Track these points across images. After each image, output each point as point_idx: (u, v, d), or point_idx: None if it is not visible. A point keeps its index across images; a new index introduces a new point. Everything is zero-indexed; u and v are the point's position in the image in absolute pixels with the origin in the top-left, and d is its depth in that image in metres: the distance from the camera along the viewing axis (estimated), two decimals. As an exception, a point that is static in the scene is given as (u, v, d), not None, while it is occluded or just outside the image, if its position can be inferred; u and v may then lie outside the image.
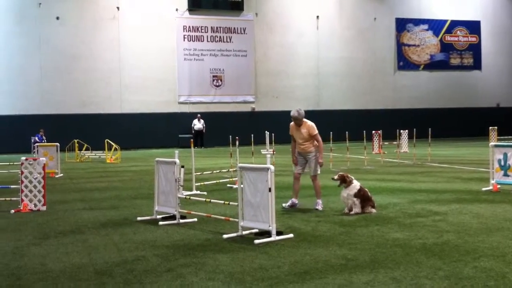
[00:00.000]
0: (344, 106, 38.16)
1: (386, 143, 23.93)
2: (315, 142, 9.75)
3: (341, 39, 38.73)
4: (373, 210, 9.07)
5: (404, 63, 40.72)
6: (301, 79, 37.58)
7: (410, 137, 25.28)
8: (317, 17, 38.11)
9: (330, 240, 7.04)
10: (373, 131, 24.33)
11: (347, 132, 19.06)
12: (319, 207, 9.54)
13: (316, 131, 9.74)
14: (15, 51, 31.59)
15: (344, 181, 9.17)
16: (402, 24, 40.61)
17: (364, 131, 19.97)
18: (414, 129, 20.46)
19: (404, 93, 40.02)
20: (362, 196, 9.02)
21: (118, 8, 33.65)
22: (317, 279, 5.37)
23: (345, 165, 17.70)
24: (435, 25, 41.52)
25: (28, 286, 5.38)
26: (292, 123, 9.89)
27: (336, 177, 9.32)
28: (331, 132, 18.52)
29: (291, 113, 9.80)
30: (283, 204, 9.75)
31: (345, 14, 38.92)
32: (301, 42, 37.63)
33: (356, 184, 9.14)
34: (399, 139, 24.64)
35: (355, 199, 8.97)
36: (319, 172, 9.88)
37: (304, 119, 9.81)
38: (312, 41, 37.96)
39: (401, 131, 25.14)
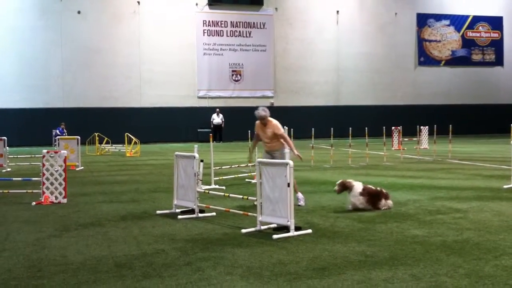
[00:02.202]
0: (364, 102, 37.93)
1: (406, 139, 23.74)
2: (282, 140, 9.60)
3: (361, 34, 38.45)
4: (389, 202, 9.01)
5: (425, 58, 40.31)
6: (321, 74, 37.42)
7: (430, 133, 25.08)
8: (337, 12, 37.88)
9: (349, 236, 7.01)
10: (393, 127, 24.16)
11: (366, 128, 18.95)
12: (301, 203, 9.37)
13: (281, 131, 9.58)
14: (38, 45, 31.93)
15: (345, 188, 9.09)
16: (423, 19, 40.18)
17: (384, 127, 19.83)
18: (435, 126, 20.27)
19: (424, 89, 39.62)
20: (368, 194, 8.90)
21: (138, 2, 33.81)
22: (335, 275, 5.35)
23: (364, 161, 17.60)
24: (456, 21, 41.01)
25: (48, 277, 5.44)
26: (257, 121, 9.70)
27: (336, 188, 9.22)
28: (350, 128, 18.42)
29: (256, 112, 9.64)
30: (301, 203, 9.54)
31: (365, 9, 38.62)
32: (321, 37, 37.45)
33: (357, 186, 9.01)
34: (419, 135, 24.44)
35: (361, 197, 8.88)
36: None
37: (270, 118, 9.63)
38: (332, 36, 37.76)
39: (421, 127, 24.94)
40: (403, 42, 39.46)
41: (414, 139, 24.04)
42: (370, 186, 9.14)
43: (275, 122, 9.66)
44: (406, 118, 33.78)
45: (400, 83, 39.32)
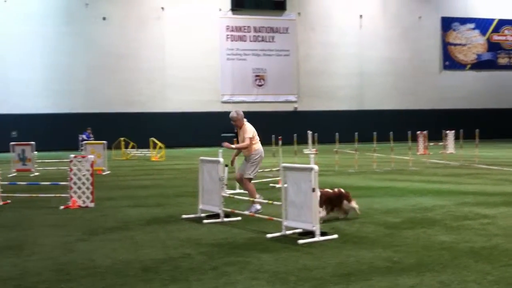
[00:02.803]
0: (388, 106, 37.69)
1: (431, 144, 23.49)
2: (253, 146, 9.57)
3: (385, 38, 38.26)
4: (354, 204, 8.56)
5: (450, 62, 39.93)
6: (344, 78, 37.30)
7: (456, 138, 24.78)
8: (360, 16, 37.76)
9: (375, 242, 6.96)
10: (418, 132, 23.93)
11: (391, 132, 18.82)
12: (252, 210, 9.12)
13: (248, 135, 9.53)
14: (64, 51, 32.46)
15: None
16: (447, 23, 39.82)
17: (409, 132, 19.67)
18: (461, 130, 20.03)
19: (450, 93, 39.21)
20: (324, 203, 8.18)
21: (162, 8, 34.15)
22: (362, 281, 5.32)
23: (389, 166, 17.47)
24: (482, 24, 40.54)
25: (77, 281, 5.51)
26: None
27: None
28: (374, 133, 18.31)
29: (230, 115, 9.71)
30: (246, 212, 9.06)
31: (389, 13, 38.42)
32: (344, 42, 37.36)
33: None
34: (445, 140, 24.17)
35: (320, 209, 8.02)
36: (251, 175, 9.60)
37: (244, 122, 9.70)
38: (355, 41, 37.64)
39: (447, 131, 24.66)
40: (427, 46, 39.15)
41: (439, 143, 23.77)
42: (327, 190, 8.56)
43: (247, 125, 9.71)
44: (431, 123, 33.46)
45: (424, 87, 38.99)
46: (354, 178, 14.77)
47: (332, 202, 8.38)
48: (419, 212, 9.06)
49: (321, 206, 7.92)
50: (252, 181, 9.76)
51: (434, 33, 39.46)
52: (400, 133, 23.05)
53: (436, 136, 25.29)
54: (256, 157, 9.70)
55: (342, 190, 8.69)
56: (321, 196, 7.92)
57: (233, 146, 9.74)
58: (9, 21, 31.69)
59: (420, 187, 12.42)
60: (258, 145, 9.81)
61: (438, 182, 13.39)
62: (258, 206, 9.30)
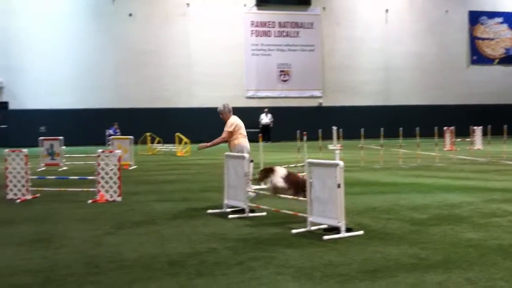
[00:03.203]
0: (414, 102, 37.30)
1: (458, 139, 23.19)
2: (234, 141, 9.80)
3: (411, 33, 37.84)
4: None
5: (478, 57, 39.29)
6: (369, 73, 37.01)
7: (484, 133, 24.40)
8: (386, 10, 37.39)
9: (401, 239, 6.92)
10: (445, 127, 23.65)
11: (417, 128, 18.62)
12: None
13: (227, 128, 9.83)
14: (91, 47, 32.84)
15: (268, 172, 8.72)
16: (475, 17, 39.17)
17: (436, 127, 19.44)
18: (489, 126, 19.73)
19: (477, 88, 38.60)
20: (290, 181, 8.50)
21: (187, 4, 34.29)
22: (388, 278, 5.30)
23: (415, 162, 17.30)
24: (510, 18, 39.78)
25: (105, 274, 5.60)
26: None
27: (258, 176, 9.00)
28: (400, 128, 18.15)
29: (217, 109, 10.11)
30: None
31: (415, 7, 37.97)
32: (369, 36, 37.04)
33: (281, 171, 8.63)
34: (472, 135, 23.84)
35: (281, 180, 8.49)
36: None
37: (230, 115, 9.99)
38: (381, 35, 37.30)
39: (474, 127, 24.32)
40: (454, 40, 38.59)
41: (467, 139, 23.45)
42: (298, 174, 8.77)
43: (230, 119, 9.94)
44: (458, 118, 32.99)
45: (451, 82, 38.47)
46: (379, 174, 14.68)
47: (295, 185, 8.41)
48: (446, 209, 8.98)
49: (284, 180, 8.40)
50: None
51: (462, 27, 38.86)
52: (427, 128, 22.75)
53: (463, 132, 24.95)
54: (238, 151, 9.75)
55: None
56: (287, 175, 8.45)
57: (207, 144, 9.98)
58: (38, 19, 32.17)
59: (447, 183, 12.29)
60: (240, 140, 9.93)
61: (465, 179, 13.23)
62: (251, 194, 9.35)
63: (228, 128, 9.91)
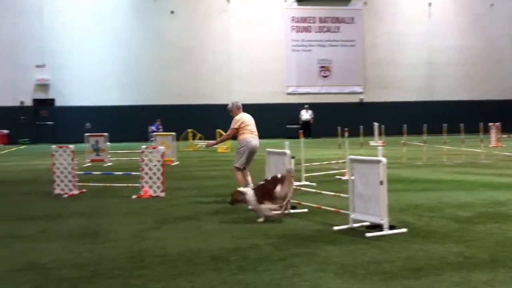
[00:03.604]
0: (459, 97, 36.54)
1: (504, 136, 22.60)
2: (239, 136, 10.00)
3: (455, 27, 37.04)
4: (285, 189, 8.01)
5: (525, 50, 38.15)
6: (412, 69, 36.43)
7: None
8: (429, 4, 36.71)
9: (445, 236, 6.81)
10: (490, 123, 23.08)
11: (462, 124, 18.25)
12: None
13: (232, 125, 10.07)
14: (134, 45, 33.41)
15: (238, 200, 8.18)
16: (521, 9, 38.04)
17: (481, 123, 19.00)
18: (537, 121, 19.18)
19: (524, 83, 37.54)
20: (261, 192, 8.03)
21: (228, 0, 34.45)
22: (432, 276, 5.23)
23: (460, 158, 16.96)
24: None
25: (149, 268, 5.71)
26: None
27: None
28: (445, 124, 17.82)
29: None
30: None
31: (459, 0, 37.12)
32: (412, 31, 36.44)
33: (249, 193, 8.09)
34: (519, 131, 23.21)
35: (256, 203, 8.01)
36: (236, 164, 10.12)
37: (238, 113, 10.25)
38: (424, 29, 36.64)
39: (521, 123, 23.68)
40: (499, 34, 37.58)
41: (513, 135, 22.85)
42: (261, 182, 8.30)
43: (237, 116, 10.12)
44: (505, 114, 32.19)
45: (497, 77, 37.50)
46: (423, 171, 14.45)
47: (265, 193, 8.03)
48: (492, 207, 8.78)
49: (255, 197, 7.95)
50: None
51: (507, 20, 37.80)
52: (472, 124, 22.28)
53: (510, 128, 24.31)
54: (241, 147, 10.02)
55: (279, 175, 8.20)
56: (255, 189, 8.08)
57: (213, 142, 10.51)
58: (82, 17, 32.91)
59: (493, 180, 12.00)
60: (245, 135, 10.06)
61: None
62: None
63: (233, 125, 10.16)
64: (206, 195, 10.72)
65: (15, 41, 32.57)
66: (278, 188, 8.07)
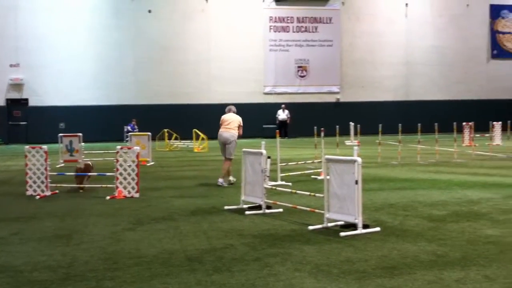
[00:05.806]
0: (434, 97, 36.95)
1: (477, 135, 22.94)
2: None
3: (432, 27, 37.44)
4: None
5: (499, 51, 38.75)
6: (389, 68, 36.73)
7: (503, 129, 24.12)
8: (406, 4, 37.05)
9: (418, 235, 6.89)
10: (464, 123, 23.40)
11: (436, 123, 18.47)
12: (222, 182, 11.85)
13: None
14: (112, 44, 33.03)
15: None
16: (496, 11, 38.62)
17: (455, 123, 19.26)
18: (508, 121, 19.48)
19: (498, 83, 38.09)
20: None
21: (206, 0, 34.34)
22: (405, 275, 5.29)
23: (434, 157, 17.17)
24: (532, 12, 39.15)
25: (123, 269, 5.66)
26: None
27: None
28: (419, 124, 18.01)
29: None
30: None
31: (436, 1, 37.56)
32: (390, 31, 36.72)
33: None
34: (492, 131, 23.57)
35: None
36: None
37: (227, 113, 12.56)
38: (401, 29, 36.96)
39: (494, 123, 24.03)
40: (475, 34, 38.09)
41: (486, 135, 23.19)
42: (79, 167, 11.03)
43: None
44: (478, 113, 32.63)
45: (472, 77, 38.02)
46: (397, 170, 14.60)
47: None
48: (465, 205, 8.91)
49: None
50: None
51: (483, 21, 38.32)
52: (446, 124, 22.55)
53: (483, 127, 24.66)
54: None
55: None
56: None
57: None
58: (57, 15, 32.46)
59: (466, 179, 12.18)
60: (219, 131, 12.26)
61: (484, 175, 13.10)
62: (220, 180, 11.90)
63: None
64: (182, 196, 10.67)
65: (-12, 40, 32.01)
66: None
